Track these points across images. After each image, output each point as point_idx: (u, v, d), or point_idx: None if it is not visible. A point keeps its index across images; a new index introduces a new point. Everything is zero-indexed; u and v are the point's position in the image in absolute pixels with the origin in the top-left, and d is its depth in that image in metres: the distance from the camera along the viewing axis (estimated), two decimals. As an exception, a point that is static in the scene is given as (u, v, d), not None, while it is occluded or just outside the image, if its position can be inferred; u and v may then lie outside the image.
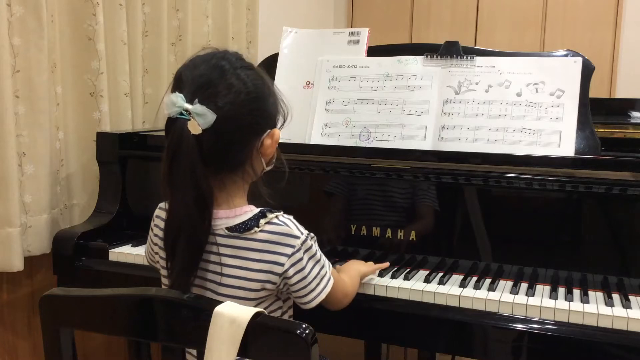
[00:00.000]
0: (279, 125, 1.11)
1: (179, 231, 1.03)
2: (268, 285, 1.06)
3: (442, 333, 1.29)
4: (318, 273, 1.10)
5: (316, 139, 1.60)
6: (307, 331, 0.85)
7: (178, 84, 1.03)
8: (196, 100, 0.99)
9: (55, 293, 0.98)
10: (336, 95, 1.61)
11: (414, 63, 1.57)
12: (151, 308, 0.94)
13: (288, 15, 3.27)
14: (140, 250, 1.59)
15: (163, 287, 1.15)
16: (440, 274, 1.38)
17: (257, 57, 2.56)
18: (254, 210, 1.09)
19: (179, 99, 0.99)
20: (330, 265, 1.15)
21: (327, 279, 1.12)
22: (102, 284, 1.59)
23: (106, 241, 1.64)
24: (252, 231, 1.05)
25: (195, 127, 0.98)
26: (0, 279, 1.75)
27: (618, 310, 1.19)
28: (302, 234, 1.07)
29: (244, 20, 2.62)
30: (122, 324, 0.98)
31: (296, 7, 3.42)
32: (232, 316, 0.87)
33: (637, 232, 1.31)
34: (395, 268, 1.42)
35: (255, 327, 0.87)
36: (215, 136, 1.00)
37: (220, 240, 1.06)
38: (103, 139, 1.77)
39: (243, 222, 1.06)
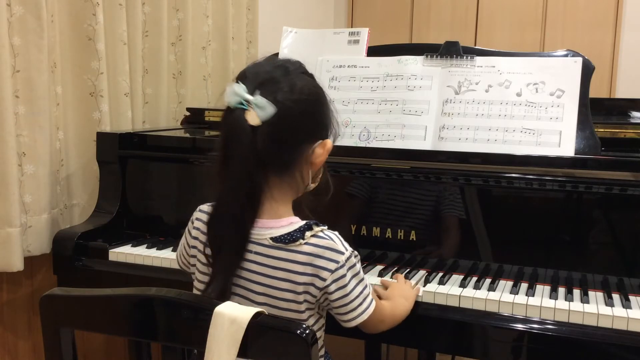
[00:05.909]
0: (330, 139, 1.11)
1: (229, 222, 1.03)
2: (308, 297, 1.05)
3: (442, 333, 1.29)
4: (361, 292, 1.08)
5: (316, 139, 1.60)
6: (307, 331, 0.85)
7: (241, 77, 1.05)
8: (257, 92, 1.00)
9: (55, 293, 0.98)
10: (336, 95, 1.61)
11: (414, 63, 1.57)
12: (151, 308, 0.94)
13: (288, 15, 3.27)
14: (140, 251, 1.59)
15: (195, 292, 1.13)
16: (440, 274, 1.38)
17: (257, 57, 2.55)
18: (299, 222, 1.07)
19: (240, 89, 1.01)
20: (370, 286, 1.12)
21: (369, 300, 1.10)
22: (102, 284, 1.59)
23: (106, 241, 1.64)
24: (297, 243, 1.04)
25: (253, 118, 0.99)
26: (0, 279, 1.75)
27: (618, 310, 1.19)
28: (346, 250, 1.05)
29: (244, 20, 2.62)
30: (122, 324, 0.98)
31: (296, 7, 3.41)
32: (232, 316, 0.87)
33: (637, 232, 1.31)
34: (395, 268, 1.42)
35: (255, 327, 0.87)
36: (271, 131, 1.00)
37: (264, 250, 1.05)
38: (103, 139, 1.77)
39: (288, 233, 1.05)
